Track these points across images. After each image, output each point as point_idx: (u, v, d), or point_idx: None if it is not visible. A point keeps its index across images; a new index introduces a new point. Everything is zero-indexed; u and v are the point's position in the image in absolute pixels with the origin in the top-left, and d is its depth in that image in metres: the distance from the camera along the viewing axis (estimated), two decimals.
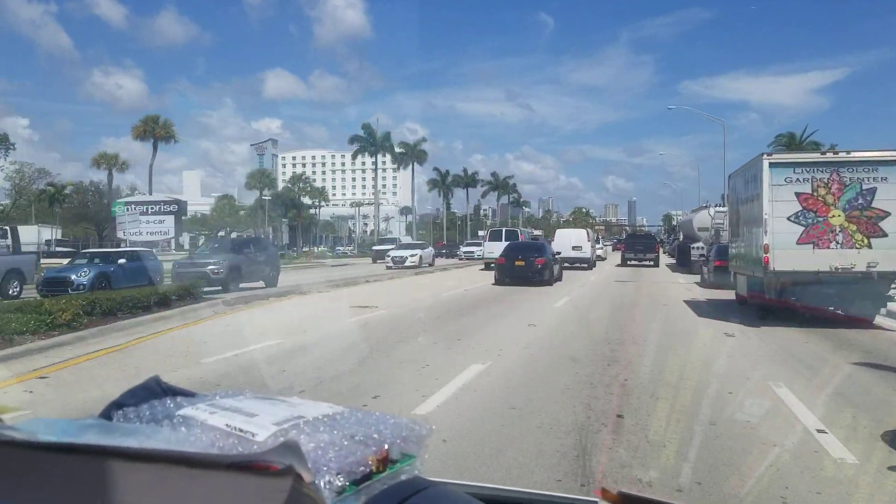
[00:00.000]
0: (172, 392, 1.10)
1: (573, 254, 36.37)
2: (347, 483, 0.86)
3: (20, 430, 0.81)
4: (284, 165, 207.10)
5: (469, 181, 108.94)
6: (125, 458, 0.72)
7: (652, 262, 39.89)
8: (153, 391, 1.09)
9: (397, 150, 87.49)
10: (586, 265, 36.99)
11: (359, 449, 0.90)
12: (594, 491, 0.78)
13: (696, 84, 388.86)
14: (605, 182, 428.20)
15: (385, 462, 0.93)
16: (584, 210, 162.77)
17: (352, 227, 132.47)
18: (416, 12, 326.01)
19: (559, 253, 36.16)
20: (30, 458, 0.75)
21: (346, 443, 0.91)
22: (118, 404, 1.07)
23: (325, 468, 0.85)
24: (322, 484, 0.83)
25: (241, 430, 0.92)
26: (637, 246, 41.90)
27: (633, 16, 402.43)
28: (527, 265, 23.96)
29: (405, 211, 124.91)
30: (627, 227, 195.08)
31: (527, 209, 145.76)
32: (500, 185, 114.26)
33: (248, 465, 0.69)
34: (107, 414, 1.04)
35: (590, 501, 0.93)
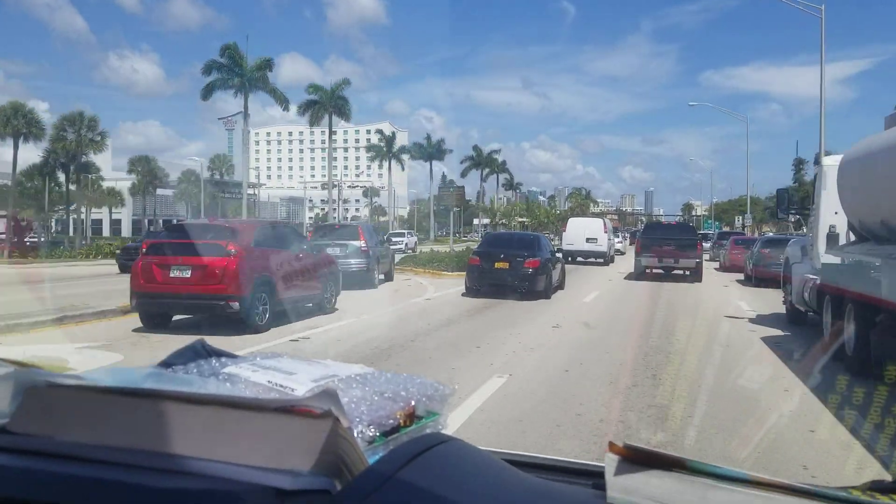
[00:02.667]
0: (216, 353, 1.19)
1: (587, 247, 32.19)
2: (377, 434, 0.96)
3: (86, 378, 0.91)
4: (258, 142, 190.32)
5: (432, 151, 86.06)
6: (182, 401, 0.82)
7: (690, 273, 22.97)
8: (198, 352, 1.19)
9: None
10: (602, 260, 32.03)
11: (388, 404, 1.00)
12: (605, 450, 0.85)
13: (718, 74, 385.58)
14: (622, 172, 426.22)
15: (412, 417, 1.02)
16: (582, 192, 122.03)
17: (321, 212, 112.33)
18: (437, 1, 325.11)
19: (569, 246, 32.06)
20: (98, 400, 0.85)
21: (376, 398, 1.00)
22: (166, 364, 1.17)
23: (357, 420, 0.94)
24: (355, 433, 0.92)
25: (281, 386, 1.01)
26: (664, 243, 23.44)
27: (656, 4, 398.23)
28: (512, 268, 16.35)
29: (370, 193, 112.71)
30: (643, 217, 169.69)
31: (522, 192, 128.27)
32: (484, 160, 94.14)
33: (291, 409, 0.78)
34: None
35: (599, 467, 1.00)
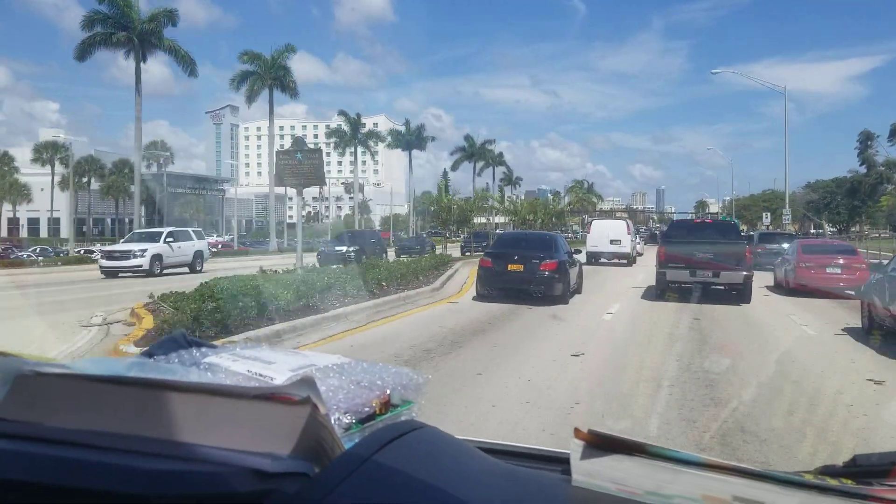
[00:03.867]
0: (197, 344, 1.22)
1: (611, 248, 31.84)
2: (354, 421, 1.00)
3: (71, 367, 0.94)
4: (248, 137, 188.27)
5: (411, 139, 76.00)
6: (166, 388, 0.85)
7: (736, 291, 16.58)
8: (180, 343, 1.22)
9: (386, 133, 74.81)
10: (626, 261, 31.40)
11: (364, 393, 1.04)
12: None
13: (730, 71, 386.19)
14: (632, 170, 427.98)
15: (387, 405, 1.07)
16: (584, 185, 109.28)
17: (313, 212, 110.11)
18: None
19: (594, 247, 31.33)
20: (85, 388, 0.88)
21: (352, 387, 1.04)
22: (149, 354, 1.20)
23: (334, 407, 0.98)
24: (332, 421, 0.95)
25: (260, 375, 1.05)
26: (698, 249, 16.87)
27: (666, 1, 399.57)
28: (527, 271, 15.13)
29: (350, 189, 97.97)
30: (654, 216, 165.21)
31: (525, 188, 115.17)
32: (477, 152, 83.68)
33: (271, 396, 0.82)
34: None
35: (567, 454, 1.04)
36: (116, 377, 0.88)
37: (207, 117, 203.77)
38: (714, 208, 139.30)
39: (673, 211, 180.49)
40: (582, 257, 21.13)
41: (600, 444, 0.88)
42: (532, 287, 14.95)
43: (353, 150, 73.46)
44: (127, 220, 67.14)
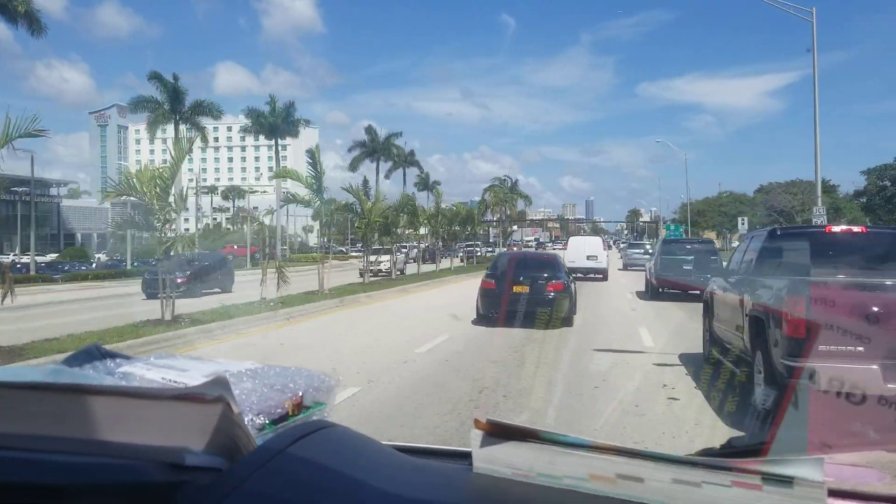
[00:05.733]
0: (111, 355, 1.24)
1: (588, 264, 32.10)
2: (267, 422, 1.04)
3: None
4: (139, 141, 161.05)
5: (275, 122, 57.63)
6: (81, 392, 0.88)
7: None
8: (93, 355, 1.23)
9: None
10: (601, 276, 32.28)
11: (276, 395, 1.09)
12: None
13: (655, 86, 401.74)
14: (562, 182, 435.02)
15: (299, 407, 1.11)
16: (506, 183, 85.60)
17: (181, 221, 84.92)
18: (378, 12, 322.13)
19: (571, 263, 29.73)
20: (2, 395, 0.89)
21: (265, 390, 1.09)
22: (62, 366, 1.21)
23: (248, 409, 1.02)
24: (246, 421, 1.00)
25: (174, 382, 1.08)
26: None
27: (594, 17, 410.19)
28: (533, 293, 14.71)
29: (233, 194, 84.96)
30: (585, 226, 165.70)
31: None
32: (380, 148, 68.70)
33: (185, 396, 0.86)
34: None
35: (467, 452, 1.11)
36: (32, 383, 0.90)
37: (91, 119, 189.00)
38: (646, 217, 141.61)
39: (602, 221, 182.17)
40: None
41: (498, 433, 0.95)
42: (539, 309, 14.02)
43: (172, 127, 49.58)
44: None
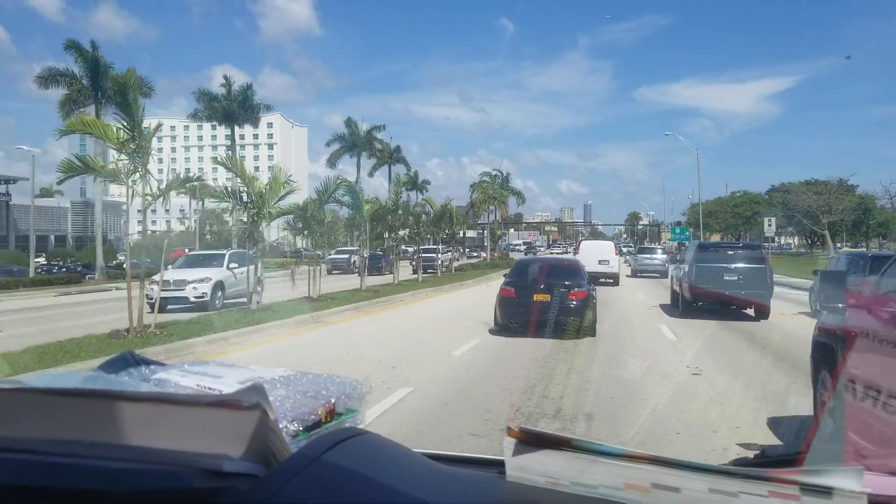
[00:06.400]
0: (146, 362, 1.26)
1: (600, 268, 31.25)
2: (301, 429, 1.05)
3: (26, 382, 0.97)
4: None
5: (230, 107, 50.84)
6: (121, 398, 0.89)
7: None
8: (128, 361, 1.25)
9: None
10: (612, 280, 31.98)
11: (309, 402, 1.10)
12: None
13: (652, 91, 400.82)
14: (560, 186, 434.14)
15: (332, 414, 1.13)
16: (497, 178, 73.92)
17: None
18: (376, 15, 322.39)
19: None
20: (40, 401, 0.91)
21: (299, 397, 1.10)
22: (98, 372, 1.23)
23: (282, 416, 1.04)
24: (281, 428, 1.01)
25: (209, 388, 1.10)
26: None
27: (591, 22, 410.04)
28: (555, 301, 13.85)
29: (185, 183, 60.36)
30: (583, 229, 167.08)
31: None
32: (361, 142, 62.99)
33: (223, 403, 0.87)
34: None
35: (499, 461, 1.11)
36: (72, 390, 0.91)
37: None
38: (646, 220, 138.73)
39: (600, 224, 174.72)
40: None
41: (531, 441, 0.95)
42: (562, 318, 13.50)
43: (93, 109, 38.63)
44: None
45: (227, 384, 1.10)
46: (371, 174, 67.28)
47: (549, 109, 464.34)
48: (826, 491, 0.79)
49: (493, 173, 73.68)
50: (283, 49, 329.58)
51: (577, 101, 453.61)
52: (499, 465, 1.02)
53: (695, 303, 18.14)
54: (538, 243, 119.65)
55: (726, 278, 17.61)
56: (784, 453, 1.01)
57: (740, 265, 17.95)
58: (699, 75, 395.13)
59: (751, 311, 17.86)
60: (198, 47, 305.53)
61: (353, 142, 62.57)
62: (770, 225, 47.77)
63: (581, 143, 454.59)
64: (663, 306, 20.73)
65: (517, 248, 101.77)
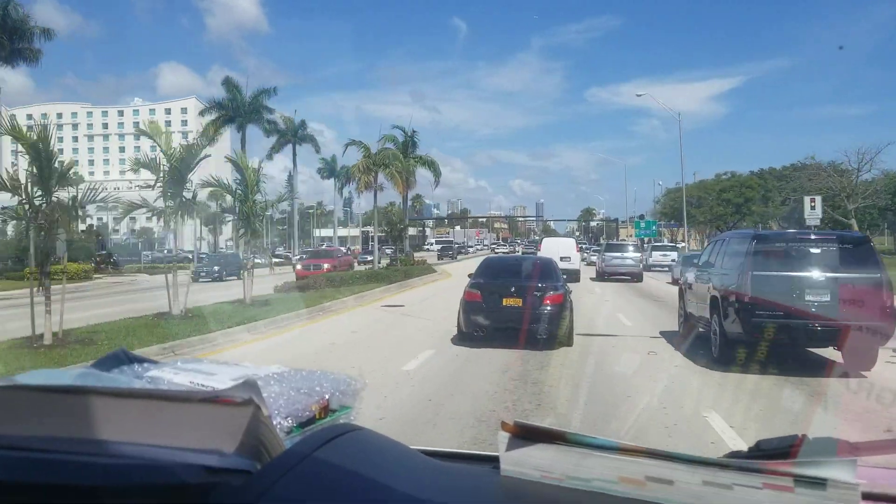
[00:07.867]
0: (138, 360, 1.25)
1: (562, 265, 27.32)
2: (294, 425, 1.05)
3: (19, 380, 0.96)
4: (14, 127, 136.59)
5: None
6: (114, 395, 0.89)
7: None
8: (121, 359, 1.25)
9: None
10: (573, 277, 30.05)
11: (303, 399, 1.10)
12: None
13: (604, 91, 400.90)
14: (513, 185, 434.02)
15: (326, 410, 1.13)
16: (394, 140, 41.55)
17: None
18: (326, 10, 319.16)
19: None
20: (35, 399, 0.91)
21: (293, 393, 1.10)
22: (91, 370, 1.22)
23: (276, 412, 1.03)
24: (274, 424, 1.00)
25: (202, 385, 1.10)
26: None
27: (543, 22, 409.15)
28: (527, 306, 12.28)
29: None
30: (535, 227, 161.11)
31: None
32: (247, 111, 48.18)
33: (216, 399, 0.87)
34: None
35: (494, 456, 1.11)
36: (67, 386, 0.91)
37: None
38: (600, 216, 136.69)
39: (552, 220, 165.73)
40: None
41: (525, 435, 0.95)
42: (535, 326, 11.94)
43: None
44: None
45: (221, 381, 1.10)
46: (270, 155, 55.10)
47: (502, 109, 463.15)
48: (820, 482, 0.79)
49: (394, 132, 44.62)
50: (230, 46, 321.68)
51: (531, 101, 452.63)
52: (494, 461, 1.02)
53: (750, 340, 9.83)
54: (487, 242, 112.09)
55: (810, 298, 9.76)
56: (778, 445, 1.00)
57: (837, 274, 9.88)
58: (649, 76, 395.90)
59: (841, 356, 10.42)
60: (142, 43, 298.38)
61: (236, 110, 47.20)
62: (813, 207, 33.49)
63: (534, 143, 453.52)
64: (667, 336, 13.62)
65: (429, 247, 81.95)
